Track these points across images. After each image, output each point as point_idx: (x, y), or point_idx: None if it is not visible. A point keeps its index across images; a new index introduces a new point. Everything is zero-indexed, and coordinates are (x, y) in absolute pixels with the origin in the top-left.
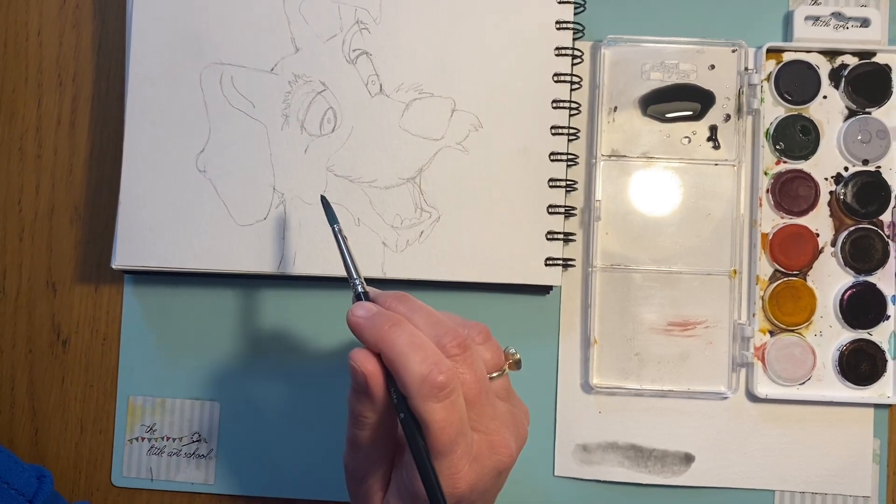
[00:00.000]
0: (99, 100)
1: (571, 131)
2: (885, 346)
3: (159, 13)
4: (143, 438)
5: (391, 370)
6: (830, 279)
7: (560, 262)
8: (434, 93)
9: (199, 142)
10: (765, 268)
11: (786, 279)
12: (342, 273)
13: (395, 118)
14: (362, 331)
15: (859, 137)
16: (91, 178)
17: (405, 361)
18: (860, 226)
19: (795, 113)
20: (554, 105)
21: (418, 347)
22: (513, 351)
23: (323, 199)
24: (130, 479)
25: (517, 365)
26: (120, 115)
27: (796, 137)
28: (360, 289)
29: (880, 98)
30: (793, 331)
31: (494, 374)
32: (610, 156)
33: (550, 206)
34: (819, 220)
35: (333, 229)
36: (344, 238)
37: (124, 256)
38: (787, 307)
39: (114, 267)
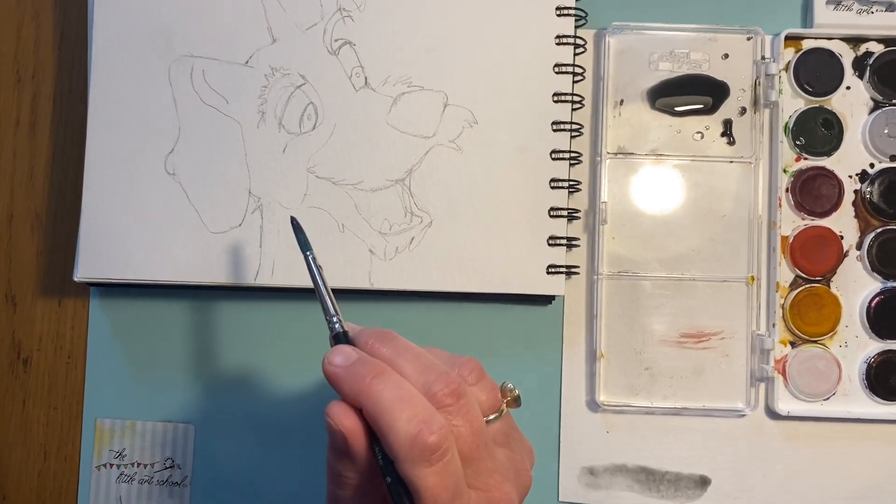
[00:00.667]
0: (61, 98)
1: (574, 127)
2: None
3: (123, 2)
4: (111, 465)
5: (375, 428)
6: (856, 285)
7: (563, 269)
8: (424, 86)
9: (169, 142)
10: (785, 273)
11: (808, 286)
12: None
13: (381, 114)
14: (340, 383)
15: (886, 131)
16: (53, 182)
17: (391, 420)
18: (888, 227)
19: (816, 105)
20: (555, 99)
21: (405, 402)
22: (510, 387)
23: (293, 221)
24: None
25: (516, 402)
26: (84, 114)
27: (818, 132)
28: (337, 328)
29: None
30: (816, 342)
31: (492, 417)
32: (616, 153)
33: (552, 208)
34: (843, 222)
35: (306, 258)
36: (319, 268)
37: (87, 268)
38: (810, 316)
39: (76, 279)
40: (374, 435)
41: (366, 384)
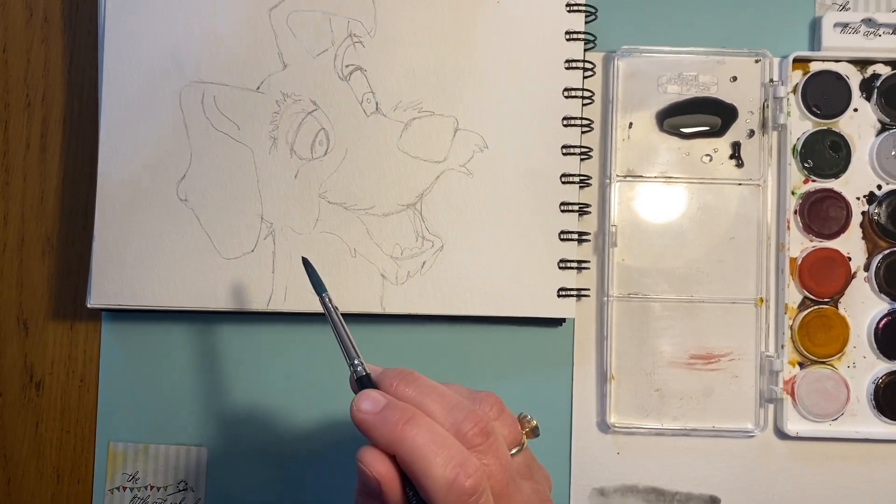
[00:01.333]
0: (71, 121)
1: (583, 150)
2: None
3: (134, 27)
4: (124, 488)
5: (409, 474)
6: (864, 307)
7: (574, 292)
8: (435, 111)
9: (180, 168)
10: (793, 295)
11: (816, 307)
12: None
13: (392, 139)
14: (372, 429)
15: (893, 153)
16: (64, 206)
17: (427, 465)
18: (895, 248)
19: (824, 127)
20: (564, 122)
21: (440, 446)
22: (529, 418)
23: (305, 262)
24: None
25: (534, 433)
26: (94, 137)
27: (825, 154)
28: (360, 371)
29: None
30: (824, 363)
31: (514, 451)
32: (625, 176)
33: (562, 231)
34: (851, 243)
35: (322, 300)
36: (335, 309)
37: (100, 295)
38: (818, 337)
39: (89, 306)
40: (407, 479)
41: (398, 430)
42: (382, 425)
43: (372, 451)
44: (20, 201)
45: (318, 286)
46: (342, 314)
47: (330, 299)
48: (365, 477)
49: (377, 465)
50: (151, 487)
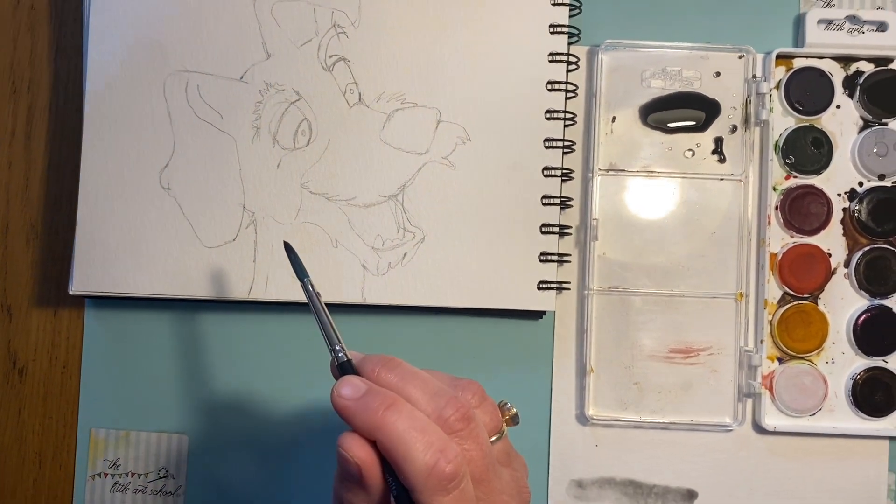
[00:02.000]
0: (56, 109)
1: (566, 144)
2: None
3: (118, 16)
4: (106, 474)
5: (390, 459)
6: (843, 303)
7: (554, 285)
8: (418, 102)
9: (163, 156)
10: (773, 290)
11: (796, 303)
12: None
13: (375, 130)
14: (352, 415)
15: (875, 150)
16: (49, 193)
17: (406, 451)
18: (875, 245)
19: (807, 124)
20: (547, 116)
21: (420, 432)
22: (508, 405)
23: (287, 246)
24: None
25: (514, 420)
26: (80, 126)
27: (807, 150)
28: (341, 357)
29: None
30: (803, 358)
31: (494, 438)
32: (608, 170)
33: (544, 224)
34: (831, 240)
35: (304, 284)
36: (317, 294)
37: (82, 282)
38: (798, 333)
39: (71, 293)
40: (387, 465)
41: (378, 416)
42: (363, 411)
43: (352, 437)
44: (5, 188)
45: (300, 271)
46: (326, 304)
47: (312, 285)
48: (345, 462)
49: (357, 451)
50: (132, 474)
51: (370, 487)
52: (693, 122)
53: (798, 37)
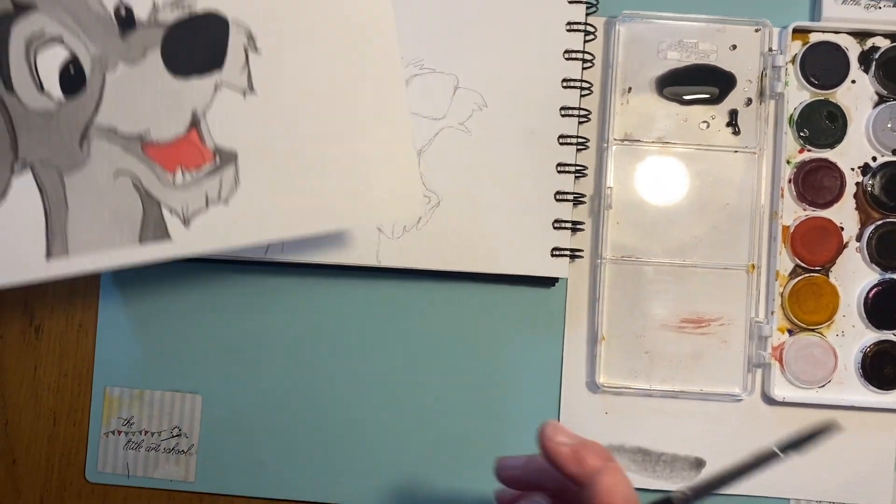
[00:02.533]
0: None
1: (582, 113)
2: None
3: None
4: (119, 432)
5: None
6: (855, 276)
7: (567, 252)
8: (435, 68)
9: None
10: (785, 263)
11: (807, 275)
12: (334, 261)
13: None
14: (566, 463)
15: (889, 125)
16: None
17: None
18: (888, 220)
19: (822, 98)
20: (564, 84)
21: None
22: None
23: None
24: (106, 475)
25: None
26: None
27: (822, 124)
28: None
29: None
30: (813, 330)
31: None
32: (623, 140)
33: (558, 192)
34: (844, 213)
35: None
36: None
37: None
38: (808, 305)
39: None
40: None
41: (592, 468)
42: (577, 461)
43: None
44: None
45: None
46: (339, 265)
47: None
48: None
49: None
50: (146, 432)
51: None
52: (708, 95)
53: (814, 11)
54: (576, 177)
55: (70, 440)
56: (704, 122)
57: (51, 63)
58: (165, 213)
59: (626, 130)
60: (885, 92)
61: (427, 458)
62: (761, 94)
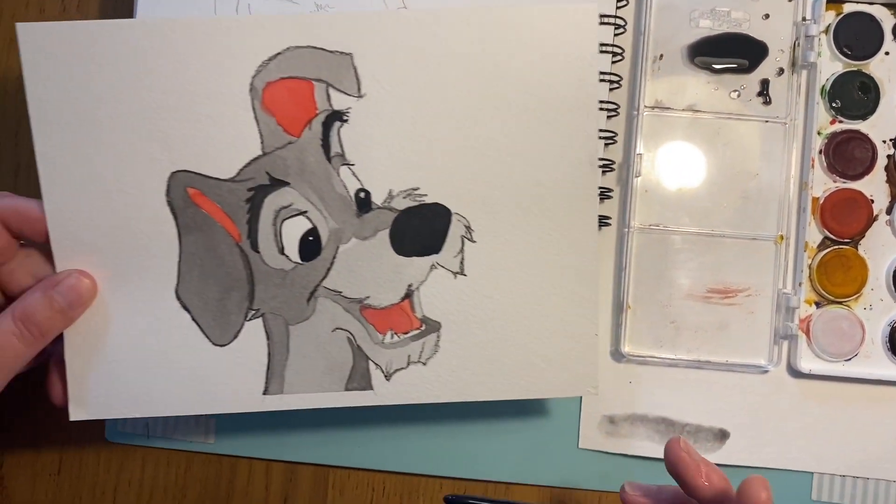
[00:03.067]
0: None
1: (613, 79)
2: None
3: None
4: None
5: None
6: (884, 249)
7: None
8: None
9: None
10: (814, 234)
11: (836, 247)
12: None
13: None
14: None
15: None
16: None
17: None
18: None
19: (855, 69)
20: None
21: None
22: None
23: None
24: (126, 435)
25: None
26: None
27: (854, 95)
28: None
29: None
30: (841, 303)
31: None
32: (653, 107)
33: None
34: (875, 186)
35: None
36: None
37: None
38: (837, 277)
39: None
40: None
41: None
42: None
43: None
44: None
45: None
46: None
47: None
48: None
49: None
50: None
51: None
52: (739, 64)
53: None
54: (606, 143)
55: None
56: (735, 91)
57: (294, 231)
58: (371, 367)
59: (656, 98)
60: None
61: (451, 423)
62: (793, 64)
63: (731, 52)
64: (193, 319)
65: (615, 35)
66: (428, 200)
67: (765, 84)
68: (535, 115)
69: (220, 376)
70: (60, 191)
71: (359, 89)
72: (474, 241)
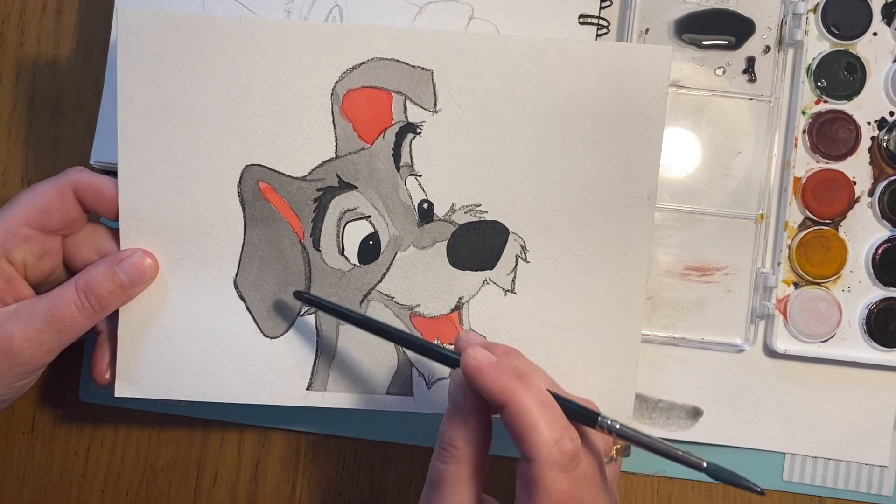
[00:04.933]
0: None
1: None
2: None
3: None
4: None
5: (513, 427)
6: (864, 231)
7: None
8: None
9: None
10: (794, 214)
11: (816, 228)
12: None
13: (407, 22)
14: (483, 377)
15: None
16: (75, 69)
17: (535, 421)
18: None
19: (841, 49)
20: (581, 21)
21: (548, 407)
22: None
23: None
24: (99, 395)
25: (626, 451)
26: (111, 4)
27: (840, 75)
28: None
29: None
30: (819, 284)
31: (605, 460)
32: None
33: None
34: (857, 167)
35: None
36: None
37: (101, 155)
38: (816, 258)
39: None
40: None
41: (511, 383)
42: (496, 375)
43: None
44: (32, 63)
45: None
46: None
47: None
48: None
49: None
50: None
51: (473, 424)
52: (727, 41)
53: None
54: None
55: (65, 355)
56: (720, 68)
57: (355, 234)
58: (415, 374)
59: None
60: None
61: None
62: (780, 42)
63: (718, 28)
64: (248, 309)
65: (601, 7)
66: (488, 217)
67: (750, 62)
68: (600, 147)
69: (266, 368)
70: (136, 172)
71: (435, 104)
72: (528, 262)
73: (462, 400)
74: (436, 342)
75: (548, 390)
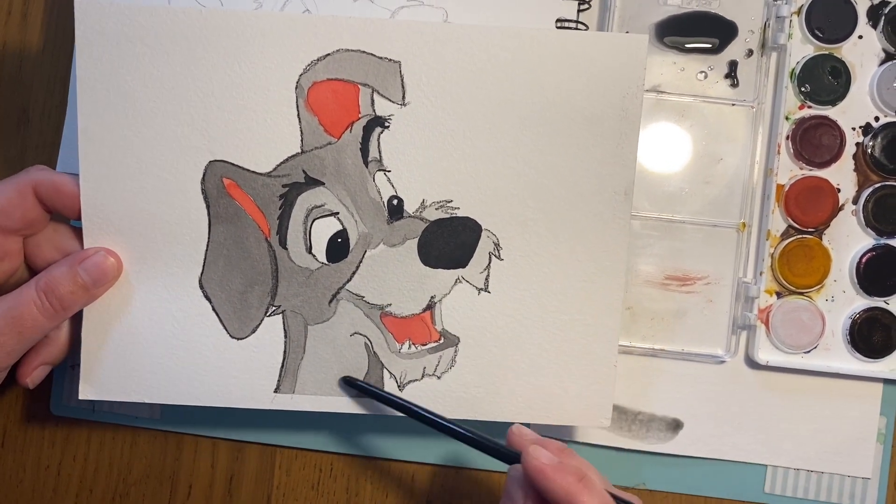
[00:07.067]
0: None
1: None
2: None
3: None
4: None
5: None
6: (849, 240)
7: None
8: (424, 1)
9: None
10: (777, 222)
11: (799, 236)
12: None
13: None
14: (547, 480)
15: (895, 85)
16: (41, 77)
17: None
18: (886, 183)
19: (826, 52)
20: (558, 24)
21: None
22: None
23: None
24: (71, 408)
25: None
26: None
27: (824, 80)
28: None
29: None
30: (802, 294)
31: None
32: None
33: None
34: (842, 174)
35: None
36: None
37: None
38: (799, 267)
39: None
40: None
41: (575, 485)
42: (561, 477)
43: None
44: None
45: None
46: None
47: None
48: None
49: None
50: None
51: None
52: (709, 45)
53: None
54: None
55: None
56: (702, 72)
57: (323, 231)
58: (386, 375)
59: None
60: (893, 49)
61: None
62: (763, 45)
63: (699, 31)
64: (213, 310)
65: (579, 10)
66: (460, 214)
67: (733, 66)
68: (575, 140)
69: (233, 370)
70: (97, 169)
71: (403, 97)
72: (502, 259)
73: (520, 496)
74: (407, 343)
75: (606, 491)
